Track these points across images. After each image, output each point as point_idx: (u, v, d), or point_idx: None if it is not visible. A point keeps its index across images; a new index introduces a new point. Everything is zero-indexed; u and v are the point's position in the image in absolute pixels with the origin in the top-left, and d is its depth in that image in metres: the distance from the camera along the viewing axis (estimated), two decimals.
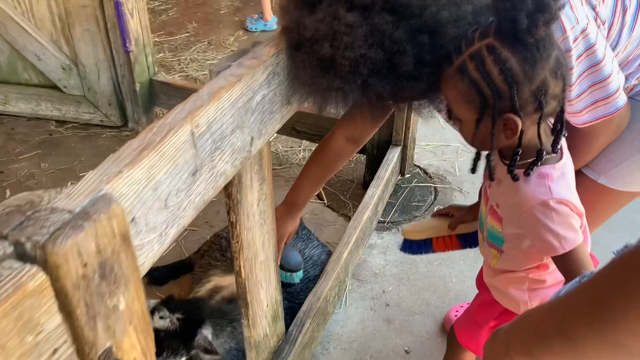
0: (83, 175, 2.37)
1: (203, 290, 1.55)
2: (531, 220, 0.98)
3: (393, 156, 2.24)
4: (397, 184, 2.44)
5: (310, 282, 1.61)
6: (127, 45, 2.52)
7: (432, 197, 2.42)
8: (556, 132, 0.97)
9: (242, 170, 1.02)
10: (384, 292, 1.91)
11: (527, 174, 0.97)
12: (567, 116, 1.14)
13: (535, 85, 0.87)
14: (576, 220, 0.98)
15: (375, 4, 0.90)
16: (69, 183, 2.51)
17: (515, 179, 0.98)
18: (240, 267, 1.15)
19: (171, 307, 1.26)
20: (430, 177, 2.52)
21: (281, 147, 2.73)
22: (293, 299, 1.55)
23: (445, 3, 0.91)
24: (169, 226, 0.76)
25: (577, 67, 1.04)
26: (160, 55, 3.64)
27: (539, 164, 0.97)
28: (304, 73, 1.00)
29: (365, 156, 2.47)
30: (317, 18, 0.92)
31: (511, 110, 0.89)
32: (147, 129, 0.74)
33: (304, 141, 2.71)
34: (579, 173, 1.26)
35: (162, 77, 2.93)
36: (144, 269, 0.72)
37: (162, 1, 4.58)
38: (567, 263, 0.97)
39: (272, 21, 4.04)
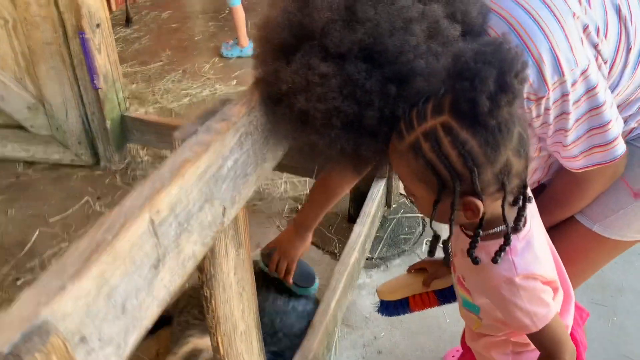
0: (53, 222, 2.23)
1: (180, 353, 1.43)
2: (498, 298, 0.91)
3: (378, 190, 2.15)
4: (383, 216, 2.34)
5: (297, 337, 1.50)
6: (96, 82, 2.41)
7: (420, 227, 2.33)
8: (519, 207, 0.88)
9: (215, 240, 0.92)
10: (375, 338, 1.81)
11: (495, 261, 0.87)
12: (562, 160, 1.06)
13: (498, 167, 0.78)
14: (547, 292, 0.91)
15: (351, 51, 0.81)
16: (37, 230, 2.38)
17: (475, 262, 0.89)
18: (217, 343, 1.04)
19: None
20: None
21: (261, 181, 2.62)
22: (278, 357, 1.44)
23: (424, 51, 0.81)
24: (128, 334, 0.65)
25: (575, 111, 0.96)
26: (134, 85, 3.53)
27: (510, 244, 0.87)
28: (284, 127, 0.92)
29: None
30: (292, 70, 0.84)
31: (472, 193, 0.80)
32: (98, 224, 0.63)
33: (284, 173, 2.61)
34: (572, 220, 1.18)
35: (134, 111, 2.82)
36: None
37: (135, 29, 4.48)
38: (541, 339, 0.92)
39: (247, 47, 3.95)
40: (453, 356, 1.70)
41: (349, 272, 1.75)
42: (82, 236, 0.61)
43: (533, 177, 1.19)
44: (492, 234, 0.89)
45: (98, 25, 2.34)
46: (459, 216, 0.85)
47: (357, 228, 1.95)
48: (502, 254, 0.87)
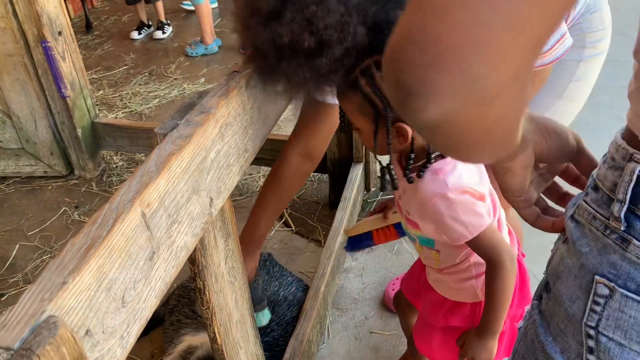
0: (32, 235, 2.21)
1: (175, 352, 1.44)
2: (436, 214, 1.01)
3: (356, 174, 2.17)
4: (363, 200, 2.38)
5: (289, 325, 1.52)
6: (63, 90, 2.38)
7: None
8: None
9: (205, 231, 0.93)
10: (366, 318, 1.84)
11: (419, 175, 1.01)
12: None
13: None
14: (479, 205, 1.01)
15: None
16: (17, 245, 2.35)
17: (410, 181, 1.03)
18: (215, 334, 1.05)
19: None
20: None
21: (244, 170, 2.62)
22: (273, 347, 1.46)
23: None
24: (130, 325, 0.67)
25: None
26: (100, 92, 3.49)
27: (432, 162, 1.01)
28: (296, 79, 0.93)
29: (327, 175, 2.41)
30: (287, 20, 0.87)
31: (401, 119, 0.94)
32: (90, 220, 0.64)
33: (262, 167, 2.62)
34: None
35: (105, 117, 2.80)
36: None
37: (96, 34, 4.41)
38: (479, 246, 1.03)
39: (212, 44, 3.94)
40: (393, 284, 1.86)
41: (335, 257, 1.78)
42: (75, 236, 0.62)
43: None
44: (421, 164, 1.02)
45: (60, 33, 2.31)
46: (395, 145, 0.98)
47: (338, 213, 1.98)
48: (426, 169, 1.01)
